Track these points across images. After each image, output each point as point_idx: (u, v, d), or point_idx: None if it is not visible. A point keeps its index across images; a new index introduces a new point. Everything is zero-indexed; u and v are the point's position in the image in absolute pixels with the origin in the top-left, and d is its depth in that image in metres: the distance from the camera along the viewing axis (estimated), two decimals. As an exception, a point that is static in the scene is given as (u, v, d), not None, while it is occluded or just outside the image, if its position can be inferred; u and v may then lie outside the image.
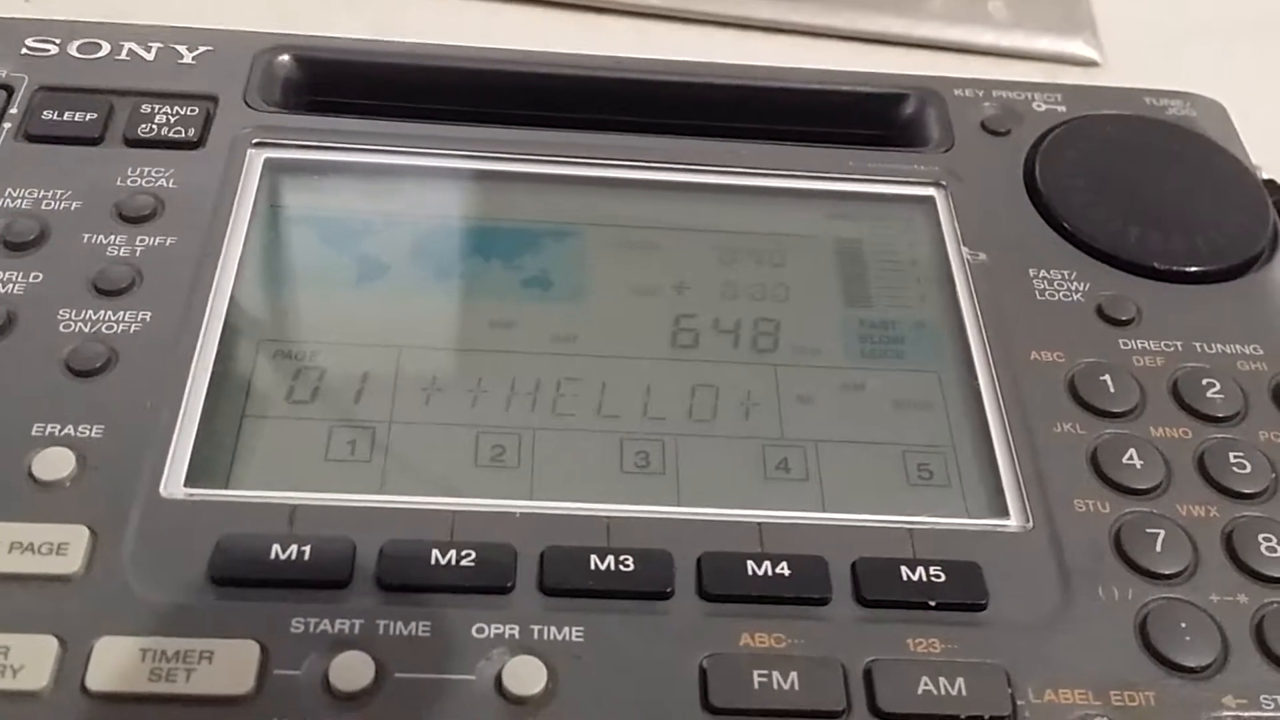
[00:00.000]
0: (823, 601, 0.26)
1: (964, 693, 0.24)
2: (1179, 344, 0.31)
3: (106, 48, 0.35)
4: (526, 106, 0.35)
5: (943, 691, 0.24)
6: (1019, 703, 0.24)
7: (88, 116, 0.32)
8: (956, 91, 0.37)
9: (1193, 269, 0.33)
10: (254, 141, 0.33)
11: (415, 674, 0.24)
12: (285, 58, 0.35)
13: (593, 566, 0.25)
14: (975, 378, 0.30)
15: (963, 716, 0.24)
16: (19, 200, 0.31)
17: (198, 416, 0.27)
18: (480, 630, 0.24)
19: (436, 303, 0.31)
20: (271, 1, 0.42)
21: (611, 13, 0.45)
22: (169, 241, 0.30)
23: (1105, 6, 0.48)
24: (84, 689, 0.23)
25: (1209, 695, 0.25)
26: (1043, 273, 0.32)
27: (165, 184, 0.31)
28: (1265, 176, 0.36)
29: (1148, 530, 0.27)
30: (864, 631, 0.25)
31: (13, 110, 0.33)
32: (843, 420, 0.29)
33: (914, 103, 0.37)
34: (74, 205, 0.31)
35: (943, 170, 0.34)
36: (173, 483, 0.26)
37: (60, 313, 0.28)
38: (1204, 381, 0.30)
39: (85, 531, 0.25)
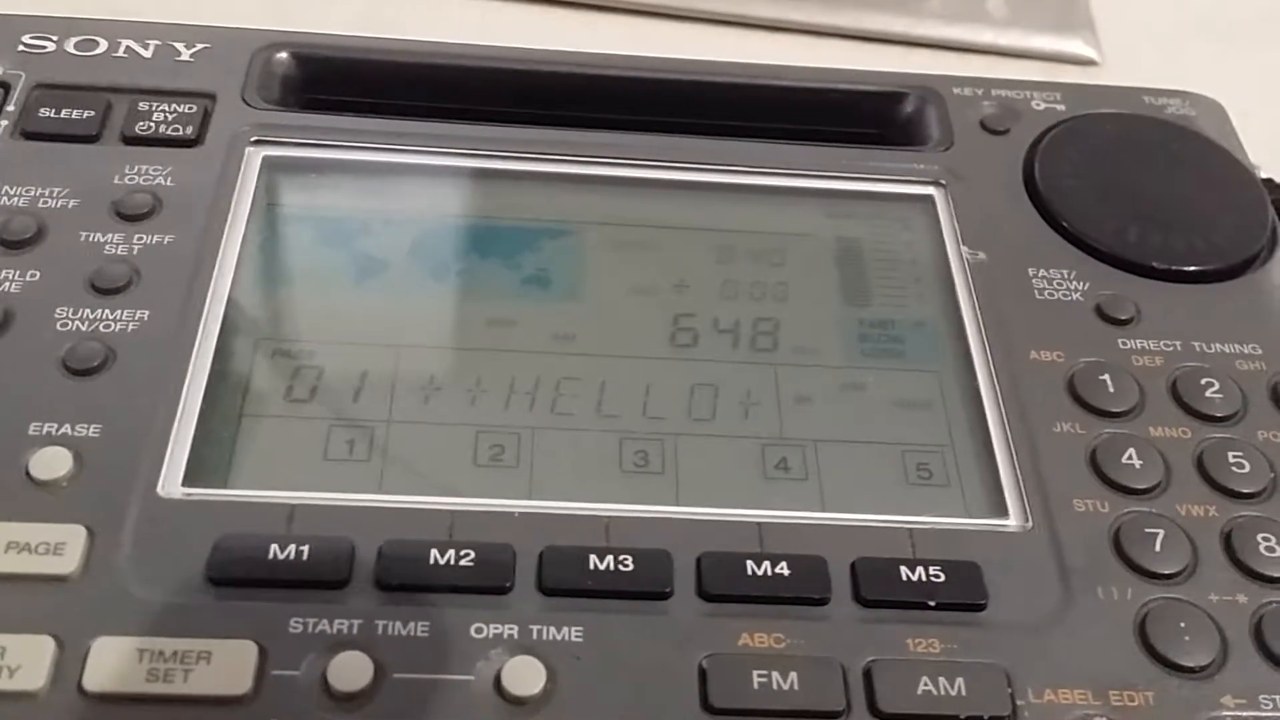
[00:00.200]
0: (822, 601, 0.26)
1: (964, 693, 0.24)
2: (1178, 343, 0.31)
3: (104, 45, 0.34)
4: (525, 105, 0.35)
5: (942, 692, 0.24)
6: (1018, 703, 0.24)
7: (85, 114, 0.32)
8: (956, 90, 0.37)
9: (1192, 268, 0.33)
10: (252, 139, 0.33)
11: (414, 674, 0.24)
12: (284, 55, 0.35)
13: (592, 566, 0.25)
14: (975, 377, 0.30)
15: (962, 717, 0.24)
16: (16, 198, 0.30)
17: (196, 415, 0.27)
18: (479, 630, 0.24)
19: (435, 302, 0.31)
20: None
21: (611, 10, 0.45)
22: (167, 240, 0.30)
23: (1104, 5, 0.48)
24: (81, 689, 0.23)
25: (1208, 695, 0.25)
26: (1042, 272, 0.32)
27: (163, 182, 0.31)
28: (1264, 176, 0.36)
29: (1147, 530, 0.27)
30: (863, 631, 0.25)
31: (10, 107, 0.32)
32: (842, 420, 0.29)
33: (913, 101, 0.37)
34: (71, 203, 0.30)
35: (942, 169, 0.34)
36: (170, 482, 0.26)
37: (57, 311, 0.28)
38: (1203, 381, 0.30)
39: (82, 531, 0.25)
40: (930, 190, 0.34)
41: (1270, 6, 0.49)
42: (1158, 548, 0.27)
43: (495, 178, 0.33)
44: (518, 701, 0.24)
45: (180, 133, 0.32)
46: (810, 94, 0.37)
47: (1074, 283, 0.32)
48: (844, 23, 0.46)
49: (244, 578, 0.25)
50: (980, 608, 0.26)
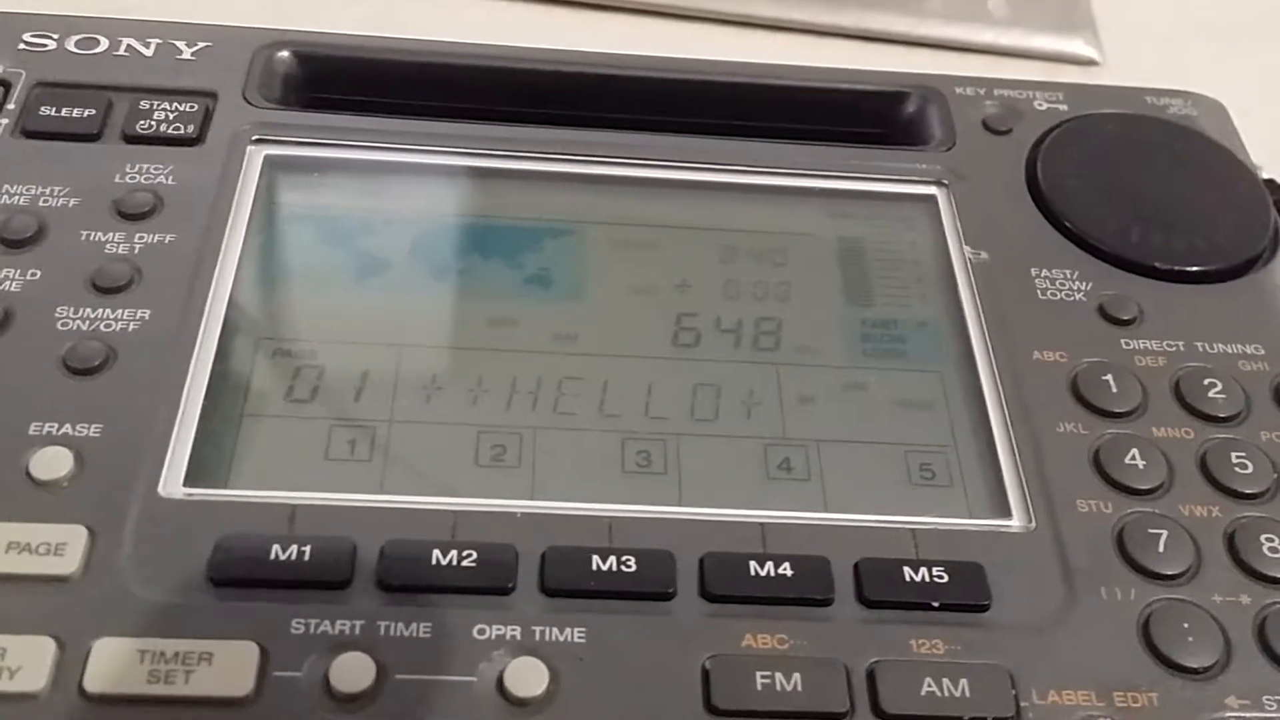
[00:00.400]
0: (825, 602, 0.25)
1: (967, 694, 0.24)
2: (1181, 344, 0.31)
3: (105, 43, 0.34)
4: (527, 104, 0.35)
5: (946, 693, 0.24)
6: (1022, 704, 0.24)
7: (86, 112, 0.32)
8: (958, 90, 0.37)
9: (1194, 268, 0.33)
10: (253, 138, 0.33)
11: (416, 675, 0.24)
12: (285, 54, 0.35)
13: (594, 567, 0.25)
14: (977, 377, 0.30)
15: (966, 718, 0.24)
16: (16, 197, 0.30)
17: (197, 415, 0.27)
18: (481, 631, 0.24)
19: (437, 301, 0.31)
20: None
21: (612, 10, 0.45)
22: (168, 239, 0.30)
23: (1104, 5, 0.48)
24: (82, 691, 0.23)
25: (1211, 696, 0.25)
26: (1044, 272, 0.32)
27: (164, 181, 0.31)
28: (1265, 176, 0.36)
29: (1150, 531, 0.27)
30: (867, 632, 0.25)
31: (10, 106, 0.32)
32: (845, 420, 0.29)
33: (915, 101, 0.37)
34: (72, 202, 0.30)
35: (944, 169, 0.34)
36: (171, 482, 0.26)
37: (58, 310, 0.28)
38: (1206, 381, 0.30)
39: (83, 531, 0.25)
40: (932, 190, 0.34)
41: (1271, 6, 0.49)
42: (1161, 548, 0.27)
43: (497, 177, 0.33)
44: (520, 703, 0.23)
45: (181, 131, 0.32)
46: (812, 93, 0.37)
47: (1076, 283, 0.32)
48: (845, 22, 0.46)
49: (245, 578, 0.25)
50: (984, 608, 0.26)
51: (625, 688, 0.24)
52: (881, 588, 0.26)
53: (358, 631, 0.24)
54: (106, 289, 0.29)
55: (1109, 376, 0.30)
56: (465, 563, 0.25)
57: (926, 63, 0.44)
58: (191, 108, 0.33)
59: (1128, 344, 0.31)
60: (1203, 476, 0.28)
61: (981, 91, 0.37)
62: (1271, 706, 0.25)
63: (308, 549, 0.25)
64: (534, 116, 0.34)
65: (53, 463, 0.26)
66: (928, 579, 0.26)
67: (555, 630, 0.24)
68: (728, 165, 0.34)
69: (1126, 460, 0.28)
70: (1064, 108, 0.37)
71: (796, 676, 0.24)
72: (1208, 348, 0.31)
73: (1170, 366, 0.30)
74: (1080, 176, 0.34)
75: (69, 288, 0.29)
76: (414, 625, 0.24)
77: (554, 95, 0.36)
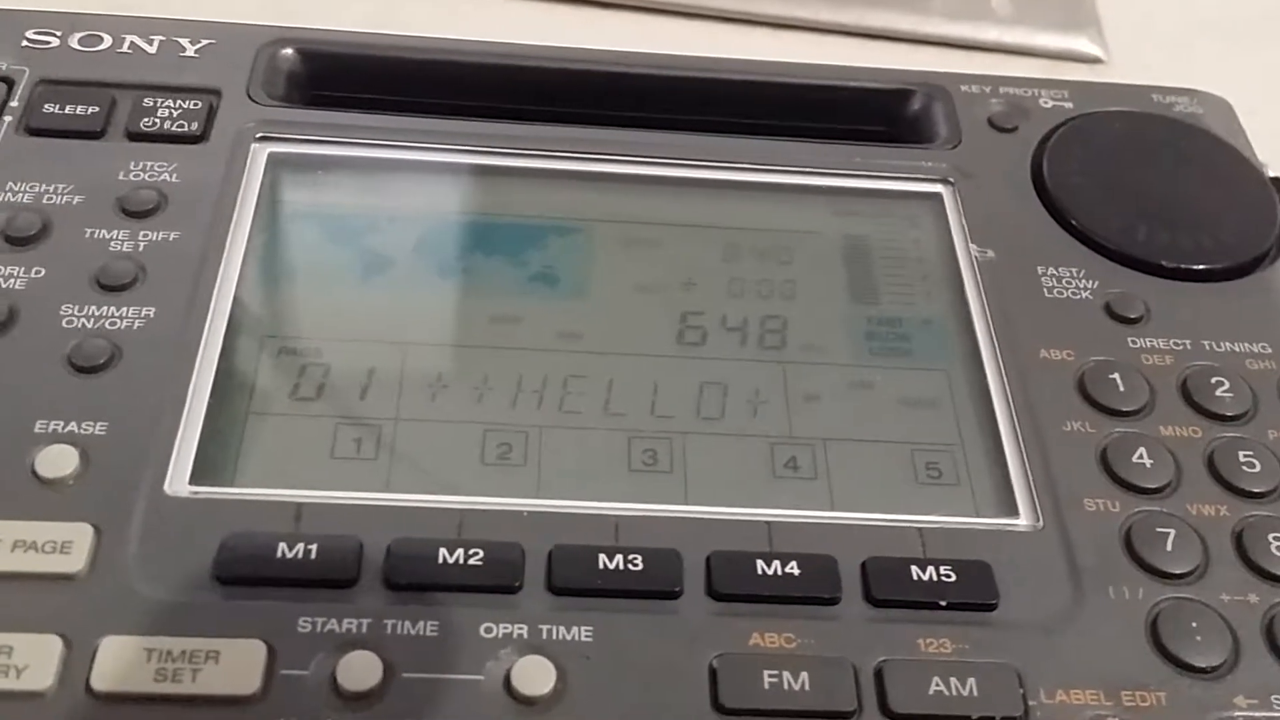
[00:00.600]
0: (833, 601, 0.25)
1: (975, 693, 0.24)
2: (1188, 342, 0.31)
3: (108, 40, 0.34)
4: (532, 101, 0.35)
5: (954, 692, 0.24)
6: (1030, 703, 0.24)
7: (89, 110, 0.32)
8: (963, 88, 0.37)
9: (1201, 267, 0.32)
10: (257, 136, 0.32)
11: (423, 674, 0.24)
12: (289, 51, 0.35)
13: (601, 566, 0.25)
14: (984, 376, 0.30)
15: (974, 717, 0.24)
16: (20, 194, 0.30)
17: (202, 413, 0.27)
18: (488, 630, 0.24)
19: (442, 299, 0.31)
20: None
21: (615, 7, 0.45)
22: (172, 236, 0.30)
23: (1109, 3, 0.48)
24: (89, 689, 0.23)
25: (1220, 695, 0.25)
26: (1051, 270, 0.32)
27: (168, 178, 0.31)
28: (1272, 174, 0.36)
29: (1158, 530, 0.27)
30: (874, 631, 0.25)
31: (13, 103, 0.32)
32: (851, 418, 0.29)
33: (921, 99, 0.37)
34: (76, 199, 0.30)
35: (950, 167, 0.34)
36: (177, 480, 0.26)
37: (63, 308, 0.28)
38: (1213, 380, 0.30)
39: (89, 530, 0.25)
40: (938, 188, 0.34)
41: (1275, 4, 0.49)
42: (1169, 547, 0.27)
43: (501, 174, 0.33)
44: (528, 701, 0.23)
45: (185, 129, 0.32)
46: (818, 91, 0.36)
47: (1083, 281, 0.32)
48: (848, 20, 0.45)
49: (252, 576, 0.24)
50: (991, 607, 0.26)
51: (632, 687, 0.24)
52: (889, 587, 0.26)
53: (364, 630, 0.24)
54: (111, 287, 0.29)
55: (1116, 375, 0.30)
56: (472, 561, 0.25)
57: (930, 61, 0.44)
58: (195, 105, 0.33)
59: (1135, 342, 0.31)
60: (1210, 475, 0.28)
61: (987, 89, 0.37)
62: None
63: (314, 547, 0.25)
64: (538, 114, 0.34)
65: (58, 461, 0.25)
66: (935, 578, 0.26)
67: (562, 629, 0.24)
68: (733, 163, 0.34)
69: (1134, 459, 0.28)
70: (1070, 105, 0.36)
71: (804, 675, 0.24)
72: (1215, 346, 0.31)
73: (1177, 365, 0.30)
74: (1086, 174, 0.34)
75: (74, 286, 0.29)
76: (421, 624, 0.24)
77: (558, 93, 0.36)
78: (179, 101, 0.33)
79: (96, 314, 0.28)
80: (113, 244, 0.30)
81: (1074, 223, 0.33)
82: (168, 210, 0.30)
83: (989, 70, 0.38)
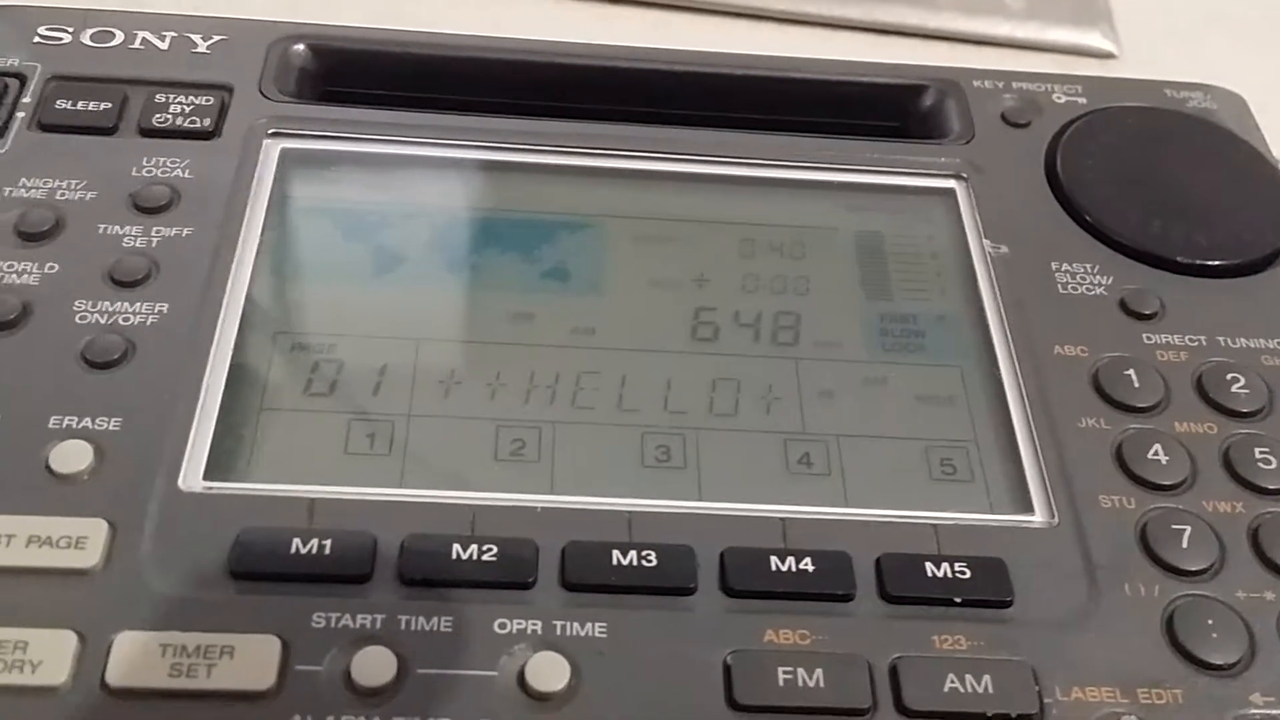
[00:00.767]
0: (847, 598, 0.25)
1: (990, 690, 0.24)
2: (1203, 338, 0.31)
3: (120, 36, 0.34)
4: (544, 97, 0.35)
5: (969, 689, 0.24)
6: (1046, 700, 0.24)
7: (102, 106, 0.32)
8: (976, 83, 0.36)
9: (1216, 263, 0.32)
10: (269, 132, 0.32)
11: (437, 669, 0.24)
12: (300, 47, 0.35)
13: (615, 562, 0.25)
14: (998, 372, 0.30)
15: (989, 714, 0.24)
16: (33, 190, 0.30)
17: (216, 409, 0.27)
18: (502, 626, 0.24)
19: (454, 295, 0.31)
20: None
21: (625, 3, 0.45)
22: (185, 232, 0.30)
23: (1121, -2, 0.47)
24: (104, 685, 0.23)
25: (1236, 693, 0.25)
26: (1065, 266, 0.32)
27: (181, 174, 0.31)
28: (1286, 170, 0.36)
29: (1174, 526, 0.27)
30: (889, 628, 0.25)
31: (26, 99, 0.32)
32: (865, 415, 0.29)
33: (934, 94, 0.36)
34: (89, 195, 0.30)
35: (963, 162, 0.34)
36: (191, 476, 0.26)
37: (76, 304, 0.28)
38: (1228, 376, 0.30)
39: (104, 525, 0.25)
40: (951, 183, 0.34)
41: (1287, 0, 0.49)
42: (1185, 544, 0.27)
43: (513, 170, 0.33)
44: (542, 697, 0.23)
45: (197, 125, 0.32)
46: (831, 87, 0.36)
47: (1097, 277, 0.32)
48: (859, 15, 0.45)
49: (266, 572, 0.24)
50: (1006, 604, 0.26)
51: (646, 683, 0.24)
52: (903, 583, 0.26)
53: (379, 625, 0.24)
54: (124, 282, 0.29)
55: (1131, 371, 0.30)
56: (486, 557, 0.25)
57: (941, 56, 0.44)
58: (207, 101, 0.33)
59: (1149, 338, 0.30)
60: (1226, 472, 0.28)
61: (1000, 84, 0.37)
62: (1296, 703, 0.25)
63: (328, 543, 0.25)
64: (549, 109, 0.34)
65: (73, 456, 0.25)
66: (950, 574, 0.26)
67: (576, 625, 0.24)
68: (745, 159, 0.34)
69: (1149, 456, 0.28)
70: (1083, 100, 0.36)
71: (819, 672, 0.24)
72: (1230, 342, 0.31)
73: (1192, 361, 0.30)
74: (1100, 170, 0.34)
75: (87, 281, 0.29)
76: (435, 619, 0.24)
77: (569, 88, 0.36)
78: (191, 97, 0.33)
79: (110, 310, 0.28)
80: (126, 240, 0.30)
81: (1088, 218, 0.33)
82: (180, 206, 0.30)
83: (1000, 65, 0.38)
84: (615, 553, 0.25)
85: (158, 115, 0.32)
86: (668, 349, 0.30)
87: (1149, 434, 0.29)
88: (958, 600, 0.25)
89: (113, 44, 0.34)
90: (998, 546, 0.26)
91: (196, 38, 0.34)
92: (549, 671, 0.24)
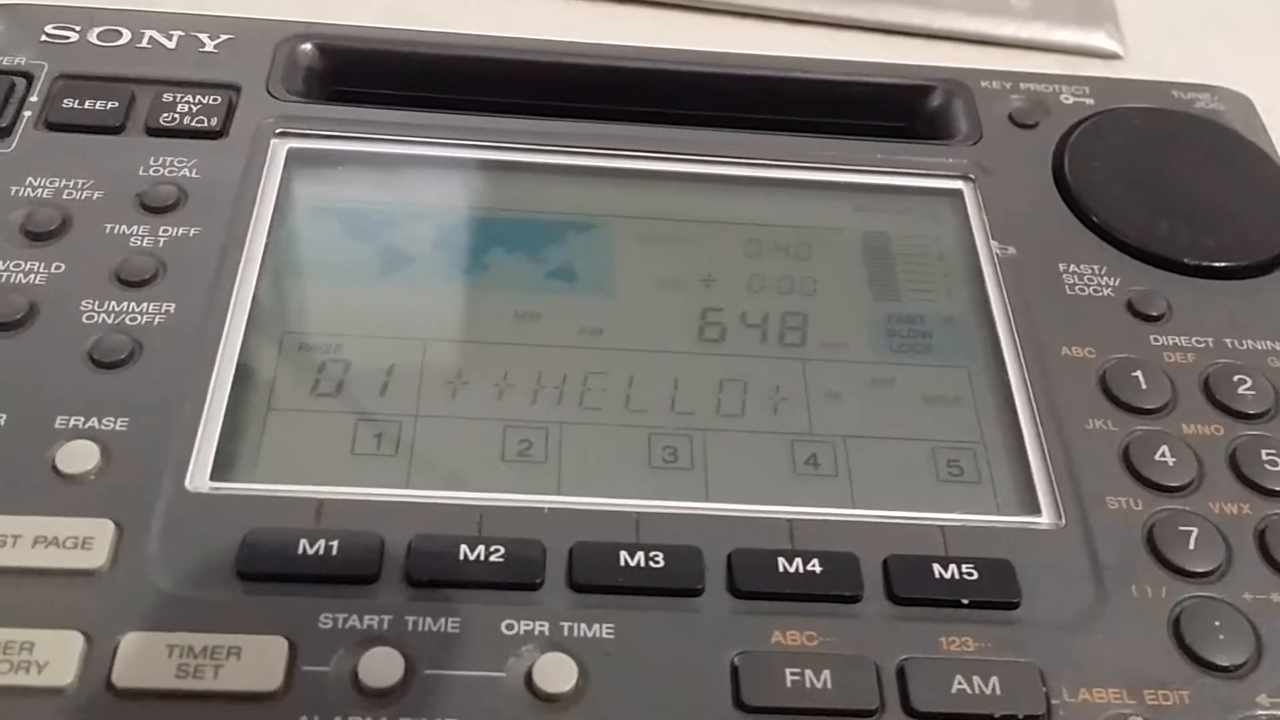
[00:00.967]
0: (854, 599, 0.25)
1: (998, 691, 0.24)
2: (1210, 340, 0.31)
3: (127, 35, 0.34)
4: (551, 97, 0.35)
5: (976, 690, 0.24)
6: (1053, 701, 0.24)
7: (109, 105, 0.32)
8: (983, 84, 0.36)
9: (1223, 264, 0.32)
10: (277, 131, 0.32)
11: (445, 670, 0.24)
12: (308, 46, 0.35)
13: (622, 563, 0.25)
14: (1005, 373, 0.30)
15: (997, 715, 0.24)
16: (40, 189, 0.30)
17: (223, 409, 0.27)
18: (510, 627, 0.24)
19: (461, 295, 0.31)
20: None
21: (631, 3, 0.45)
22: (192, 232, 0.30)
23: (1127, -1, 0.47)
24: (110, 686, 0.23)
25: (1243, 694, 0.25)
26: (1072, 267, 0.32)
27: (188, 174, 0.31)
28: (1293, 171, 0.35)
29: (1181, 528, 0.27)
30: (896, 629, 0.25)
31: (33, 98, 0.32)
32: (872, 416, 0.29)
33: (941, 95, 0.36)
34: (96, 195, 0.30)
35: (970, 163, 0.34)
36: (198, 476, 0.26)
37: (83, 304, 0.28)
38: (1235, 378, 0.30)
39: (110, 525, 0.25)
40: (959, 184, 0.34)
41: (1293, 1, 0.49)
42: (1191, 546, 0.27)
43: (520, 170, 0.33)
44: (549, 699, 0.23)
45: (205, 124, 0.32)
46: (837, 87, 0.36)
47: (1105, 278, 0.32)
48: (864, 15, 0.45)
49: (273, 573, 0.24)
50: (1013, 606, 0.26)
51: (654, 684, 0.24)
52: (911, 584, 0.26)
53: (386, 626, 0.24)
54: (131, 282, 0.29)
55: (1138, 373, 0.30)
56: (493, 558, 0.25)
57: (946, 56, 0.44)
58: (214, 100, 0.33)
59: (1156, 340, 0.30)
60: (1233, 473, 0.28)
61: (1007, 85, 0.36)
62: (1303, 705, 0.25)
63: (335, 543, 0.25)
64: (557, 110, 0.34)
65: (79, 456, 0.25)
66: (957, 576, 0.26)
67: (584, 626, 0.24)
68: (752, 159, 0.34)
69: (1156, 457, 0.28)
70: (1090, 102, 0.36)
71: (826, 674, 0.24)
72: (1237, 344, 0.31)
73: (1200, 363, 0.30)
74: (1108, 171, 0.34)
75: (94, 281, 0.29)
76: (442, 620, 0.24)
77: (576, 88, 0.36)
78: (198, 97, 0.33)
79: (117, 309, 0.28)
80: (133, 239, 0.30)
81: (1095, 219, 0.33)
82: (187, 206, 0.30)
83: (1004, 65, 0.38)
84: (623, 554, 0.25)
85: (165, 114, 0.32)
86: (675, 349, 0.30)
87: (1156, 435, 0.28)
88: (965, 601, 0.25)
89: (120, 43, 0.34)
90: (1005, 548, 0.26)
91: (204, 37, 0.34)
92: (556, 672, 0.24)
